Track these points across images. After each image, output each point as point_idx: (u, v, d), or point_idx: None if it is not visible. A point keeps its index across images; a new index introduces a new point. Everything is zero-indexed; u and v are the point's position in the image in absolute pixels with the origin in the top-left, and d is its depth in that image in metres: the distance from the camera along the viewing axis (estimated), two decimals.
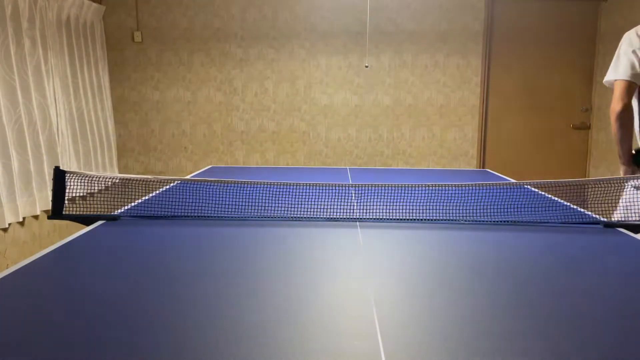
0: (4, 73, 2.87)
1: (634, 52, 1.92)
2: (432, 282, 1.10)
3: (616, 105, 1.94)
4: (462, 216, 1.71)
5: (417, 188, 2.06)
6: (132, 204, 1.84)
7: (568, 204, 1.89)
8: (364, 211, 1.76)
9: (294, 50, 4.15)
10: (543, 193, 2.12)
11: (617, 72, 1.95)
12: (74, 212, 1.65)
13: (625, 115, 1.93)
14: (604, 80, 2.07)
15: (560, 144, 4.30)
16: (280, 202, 1.85)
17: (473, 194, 2.01)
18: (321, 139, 4.29)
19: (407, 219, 1.65)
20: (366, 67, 3.63)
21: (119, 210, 1.77)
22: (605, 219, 1.64)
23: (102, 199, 1.78)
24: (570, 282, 1.10)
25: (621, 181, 1.95)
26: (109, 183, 1.80)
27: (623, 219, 1.89)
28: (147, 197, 1.98)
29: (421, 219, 1.65)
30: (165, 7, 4.08)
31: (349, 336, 0.84)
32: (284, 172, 2.90)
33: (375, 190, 2.10)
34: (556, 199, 2.00)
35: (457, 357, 0.78)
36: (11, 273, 1.13)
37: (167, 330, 0.86)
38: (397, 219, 1.66)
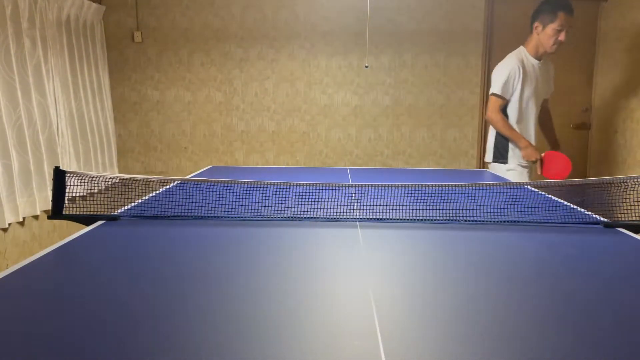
0: (4, 73, 2.87)
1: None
2: (432, 282, 1.10)
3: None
4: (462, 216, 1.70)
5: (417, 188, 2.06)
6: (132, 204, 1.84)
7: (568, 204, 1.89)
8: (364, 211, 1.76)
9: (294, 50, 4.15)
10: (543, 193, 2.12)
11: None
12: (74, 212, 1.65)
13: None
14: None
15: (560, 144, 4.29)
16: (280, 202, 1.85)
17: (473, 194, 2.01)
18: (321, 139, 4.29)
19: (407, 219, 1.65)
20: (366, 67, 3.63)
21: (119, 210, 1.77)
22: (605, 219, 1.64)
23: (102, 199, 1.78)
24: (570, 282, 1.10)
25: (621, 181, 1.95)
26: (109, 183, 1.80)
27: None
28: (147, 197, 1.98)
29: (421, 219, 1.65)
30: (165, 7, 4.08)
31: (349, 336, 0.84)
32: (284, 172, 2.90)
33: (375, 190, 2.10)
34: (556, 199, 2.00)
35: (457, 357, 0.78)
36: (11, 273, 1.13)
37: (167, 330, 0.86)
38: (397, 219, 1.65)
